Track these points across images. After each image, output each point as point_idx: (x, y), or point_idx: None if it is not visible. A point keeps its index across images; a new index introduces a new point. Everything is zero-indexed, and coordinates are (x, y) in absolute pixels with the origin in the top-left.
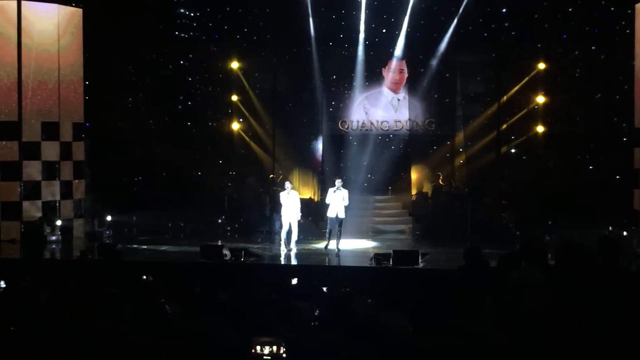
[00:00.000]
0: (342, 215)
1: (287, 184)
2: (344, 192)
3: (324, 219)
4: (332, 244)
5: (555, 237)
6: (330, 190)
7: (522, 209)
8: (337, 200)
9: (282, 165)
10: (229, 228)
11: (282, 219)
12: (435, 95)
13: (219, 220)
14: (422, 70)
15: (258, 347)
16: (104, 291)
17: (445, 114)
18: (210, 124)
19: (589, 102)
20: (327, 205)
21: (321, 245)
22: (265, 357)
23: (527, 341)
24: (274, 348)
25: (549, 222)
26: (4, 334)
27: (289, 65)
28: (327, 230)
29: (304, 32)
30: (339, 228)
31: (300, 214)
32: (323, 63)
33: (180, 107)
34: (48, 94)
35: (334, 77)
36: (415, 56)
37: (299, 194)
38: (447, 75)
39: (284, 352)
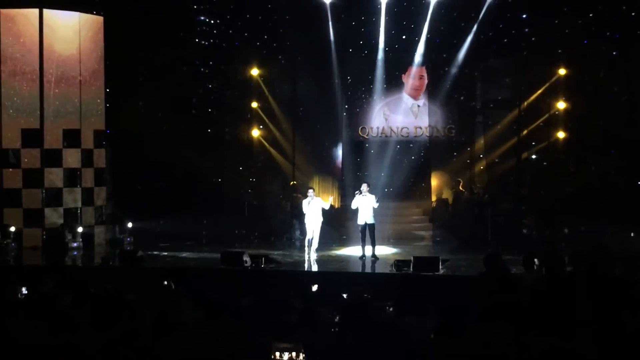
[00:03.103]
0: (370, 220)
1: (310, 192)
2: (372, 197)
3: (344, 226)
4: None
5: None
6: (358, 195)
7: (542, 215)
8: (365, 206)
9: (302, 172)
10: (249, 235)
11: (307, 226)
12: (456, 102)
13: (236, 231)
14: (442, 76)
15: (277, 353)
16: (124, 297)
17: (466, 120)
18: (230, 130)
19: (610, 107)
20: (349, 212)
21: (341, 252)
22: None
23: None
24: (294, 354)
25: (566, 230)
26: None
27: (308, 71)
28: (361, 238)
29: (324, 38)
30: (371, 234)
31: (321, 218)
32: (343, 69)
33: (200, 113)
34: (69, 100)
35: (354, 83)
36: (435, 62)
37: (320, 199)
38: (467, 81)
39: (303, 358)
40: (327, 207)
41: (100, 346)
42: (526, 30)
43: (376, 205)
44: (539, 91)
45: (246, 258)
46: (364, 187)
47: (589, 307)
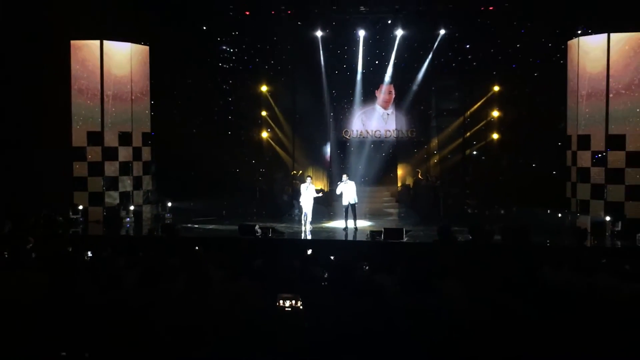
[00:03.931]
0: (353, 201)
1: (308, 179)
2: (353, 183)
3: (331, 205)
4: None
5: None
6: (341, 183)
7: (481, 197)
8: (348, 190)
9: (299, 164)
10: (260, 212)
11: (302, 205)
12: (416, 111)
13: (250, 209)
14: (406, 91)
15: (281, 302)
16: (165, 260)
17: (424, 125)
18: (244, 132)
19: (532, 115)
20: (336, 195)
21: (330, 225)
22: (287, 309)
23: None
24: (294, 302)
25: (500, 210)
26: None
27: (305, 88)
28: (344, 214)
29: (316, 63)
30: (353, 211)
31: (315, 194)
32: (330, 86)
33: (222, 119)
34: (123, 110)
35: (339, 97)
36: (400, 81)
37: (314, 187)
38: (425, 95)
39: (301, 305)
40: (317, 195)
41: (146, 300)
42: (469, 57)
43: (355, 190)
44: (479, 103)
45: (258, 229)
46: (344, 177)
47: (515, 266)
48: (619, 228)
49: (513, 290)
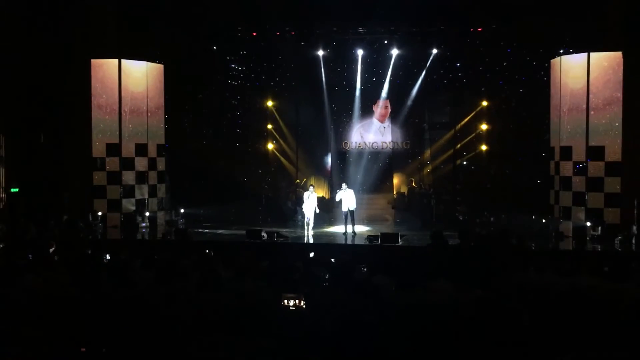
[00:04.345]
0: (352, 207)
1: (311, 188)
2: (351, 191)
3: (332, 211)
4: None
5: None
6: (340, 191)
7: (471, 204)
8: (348, 197)
9: (303, 173)
10: (266, 217)
11: (305, 211)
12: (410, 124)
13: (257, 215)
14: (401, 106)
15: (285, 301)
16: (178, 262)
17: (417, 137)
18: (252, 144)
19: (518, 128)
20: (336, 202)
21: (330, 229)
22: (290, 308)
23: (476, 295)
24: (297, 301)
25: (488, 215)
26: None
27: (307, 103)
28: (344, 220)
29: (318, 80)
30: (352, 217)
31: (317, 208)
32: (331, 101)
33: (230, 132)
34: (139, 124)
35: (339, 111)
36: (396, 96)
37: (316, 196)
38: (419, 110)
39: (304, 304)
40: (316, 210)
41: (161, 297)
42: (459, 74)
43: (354, 198)
44: (469, 117)
45: (264, 234)
46: (344, 185)
47: (502, 268)
48: (599, 233)
49: (495, 288)
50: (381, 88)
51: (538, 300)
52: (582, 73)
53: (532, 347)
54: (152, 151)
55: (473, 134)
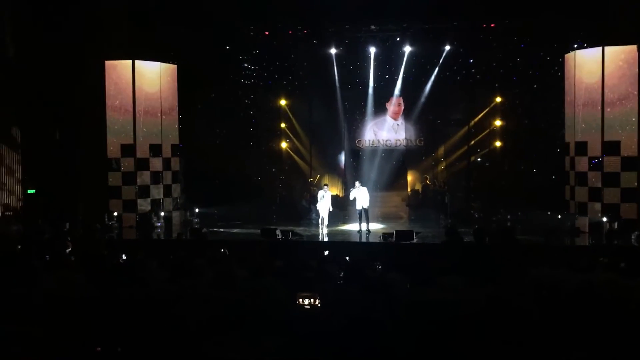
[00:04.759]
0: (366, 205)
1: (325, 187)
2: (365, 189)
3: (346, 209)
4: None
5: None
6: (354, 189)
7: (485, 201)
8: (361, 196)
9: (316, 171)
10: (280, 216)
11: (319, 210)
12: (424, 121)
13: (271, 214)
14: (414, 103)
15: (300, 299)
16: (193, 261)
17: (431, 134)
18: (265, 143)
19: (532, 124)
20: (350, 200)
21: (345, 227)
22: (305, 306)
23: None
24: (312, 300)
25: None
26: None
27: (320, 101)
28: (358, 218)
29: (331, 78)
30: (366, 215)
31: (331, 207)
32: (344, 99)
33: (244, 131)
34: (154, 124)
35: (352, 109)
36: (409, 93)
37: (331, 194)
38: (432, 106)
39: (319, 303)
40: (330, 208)
41: (176, 296)
42: (472, 70)
43: (368, 196)
44: (482, 113)
45: (278, 232)
46: (357, 183)
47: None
48: (615, 228)
49: (507, 285)
50: (394, 85)
51: (550, 296)
52: (596, 68)
53: (542, 344)
54: (167, 151)
55: (487, 131)
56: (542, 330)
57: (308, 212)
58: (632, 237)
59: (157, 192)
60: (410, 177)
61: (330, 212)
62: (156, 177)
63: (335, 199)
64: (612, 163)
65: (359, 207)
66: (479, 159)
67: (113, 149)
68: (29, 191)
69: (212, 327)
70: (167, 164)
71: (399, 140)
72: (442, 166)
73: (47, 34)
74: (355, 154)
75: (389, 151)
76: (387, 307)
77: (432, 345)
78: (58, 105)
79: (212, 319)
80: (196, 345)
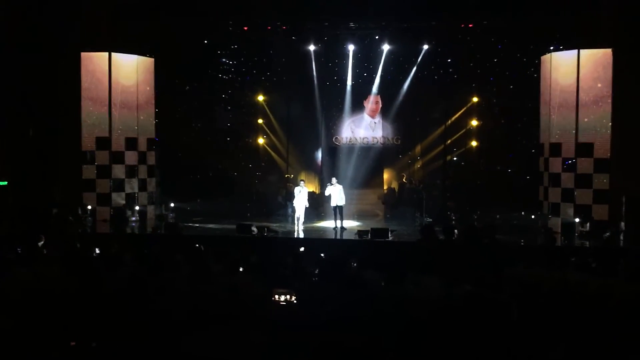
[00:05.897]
0: (341, 203)
1: (301, 183)
2: (340, 186)
3: (322, 206)
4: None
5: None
6: (329, 186)
7: (460, 199)
8: (336, 192)
9: (293, 168)
10: (256, 212)
11: (295, 206)
12: (401, 119)
13: (247, 210)
14: (391, 101)
15: (276, 296)
16: (168, 256)
17: (408, 133)
18: (242, 138)
19: (507, 124)
20: (326, 196)
21: (320, 224)
22: (281, 303)
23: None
24: (288, 297)
25: (478, 211)
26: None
27: (298, 98)
28: (333, 215)
29: (309, 74)
30: (340, 212)
31: (307, 203)
32: (322, 96)
33: (221, 126)
34: (130, 118)
35: (330, 106)
36: (387, 92)
37: (307, 190)
38: (409, 105)
39: (294, 299)
40: (306, 205)
41: (152, 291)
42: (450, 70)
43: (343, 194)
44: (459, 113)
45: (254, 228)
46: (333, 180)
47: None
48: (587, 229)
49: (482, 282)
50: (372, 83)
51: (527, 295)
52: (572, 70)
53: (520, 341)
54: (143, 145)
55: (463, 130)
56: (520, 328)
57: (284, 208)
58: (603, 237)
59: (132, 186)
60: (386, 175)
61: (306, 209)
62: (131, 171)
63: (311, 196)
64: (585, 165)
65: (333, 203)
66: (455, 158)
67: (88, 141)
68: (0, 183)
69: (190, 322)
70: (142, 157)
71: (376, 138)
72: (418, 165)
73: (22, 24)
74: (332, 151)
75: (366, 149)
76: (363, 304)
77: (408, 343)
78: (32, 96)
79: (189, 314)
80: (174, 340)
